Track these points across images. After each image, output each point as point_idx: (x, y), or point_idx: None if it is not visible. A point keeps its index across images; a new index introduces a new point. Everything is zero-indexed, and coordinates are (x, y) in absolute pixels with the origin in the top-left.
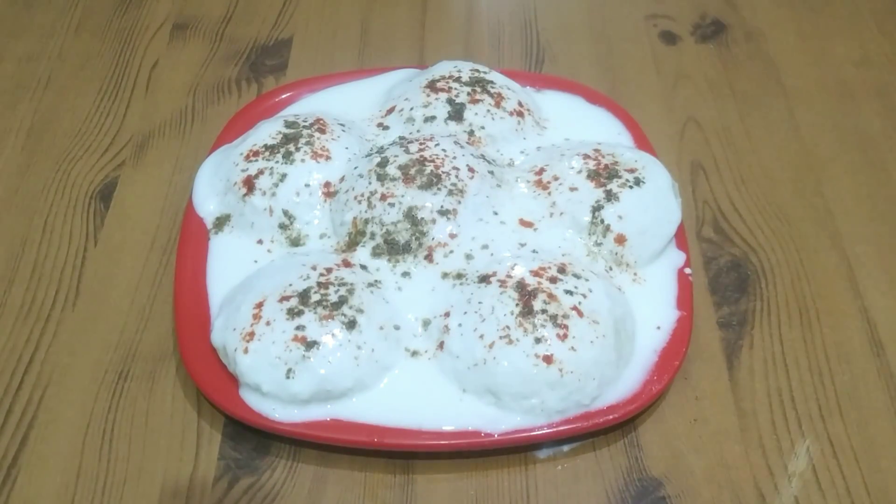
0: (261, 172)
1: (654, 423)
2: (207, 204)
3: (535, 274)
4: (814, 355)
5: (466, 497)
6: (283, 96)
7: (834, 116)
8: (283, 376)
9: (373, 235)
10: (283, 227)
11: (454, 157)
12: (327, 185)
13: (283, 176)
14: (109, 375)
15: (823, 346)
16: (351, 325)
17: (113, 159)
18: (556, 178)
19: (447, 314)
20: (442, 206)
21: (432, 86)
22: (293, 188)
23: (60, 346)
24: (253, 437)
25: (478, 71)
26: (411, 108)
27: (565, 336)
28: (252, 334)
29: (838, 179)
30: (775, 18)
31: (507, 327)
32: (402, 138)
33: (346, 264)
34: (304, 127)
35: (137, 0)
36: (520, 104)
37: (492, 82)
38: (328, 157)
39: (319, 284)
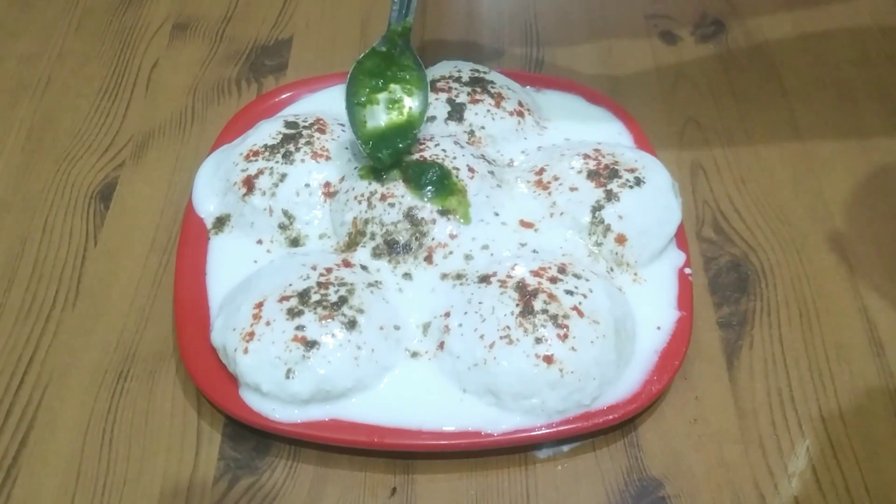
0: (261, 172)
1: (654, 423)
2: (207, 204)
3: (536, 274)
4: (814, 355)
5: (466, 497)
6: (283, 96)
7: (834, 116)
8: (282, 376)
9: (373, 235)
10: (282, 227)
11: (454, 158)
12: (327, 185)
13: (283, 176)
14: (109, 375)
15: (823, 347)
16: (351, 325)
17: (113, 159)
18: (556, 178)
19: (447, 314)
20: (442, 207)
21: (432, 86)
22: (293, 188)
23: (60, 346)
24: (253, 437)
25: (478, 71)
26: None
27: (566, 336)
28: (252, 334)
29: (838, 179)
30: (775, 18)
31: (508, 327)
32: None
33: (346, 264)
34: (304, 127)
35: (137, 0)
36: (520, 104)
37: (492, 82)
38: (328, 158)
39: (319, 284)
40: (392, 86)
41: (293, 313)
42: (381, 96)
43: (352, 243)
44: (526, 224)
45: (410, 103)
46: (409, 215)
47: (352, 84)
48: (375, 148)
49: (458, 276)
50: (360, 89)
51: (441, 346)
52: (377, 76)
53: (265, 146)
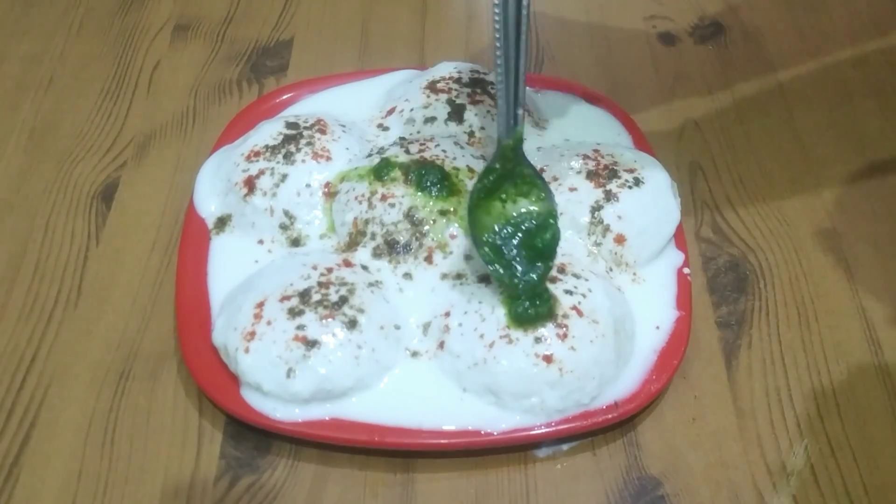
0: (262, 173)
1: (653, 422)
2: (209, 204)
3: None
4: (812, 354)
5: (466, 496)
6: (284, 97)
7: (832, 117)
8: (283, 376)
9: (373, 236)
10: (283, 227)
11: (454, 158)
12: (328, 185)
13: (284, 176)
14: (111, 375)
15: (822, 346)
16: (351, 324)
17: (115, 160)
18: (555, 179)
19: (447, 314)
20: (442, 207)
21: (432, 87)
22: (294, 188)
23: (62, 346)
24: (254, 437)
25: (478, 72)
26: (411, 109)
27: (565, 336)
28: (253, 334)
29: (836, 179)
30: (774, 19)
31: (508, 327)
32: (402, 139)
33: (347, 264)
34: (304, 128)
35: (139, 1)
36: None
37: (492, 83)
38: (329, 158)
39: (320, 284)
40: (517, 202)
41: (294, 313)
42: (507, 212)
43: (352, 243)
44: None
45: (543, 210)
46: (409, 215)
47: (472, 217)
48: (525, 271)
49: (458, 276)
50: (479, 216)
51: (441, 345)
52: (492, 196)
53: (266, 147)
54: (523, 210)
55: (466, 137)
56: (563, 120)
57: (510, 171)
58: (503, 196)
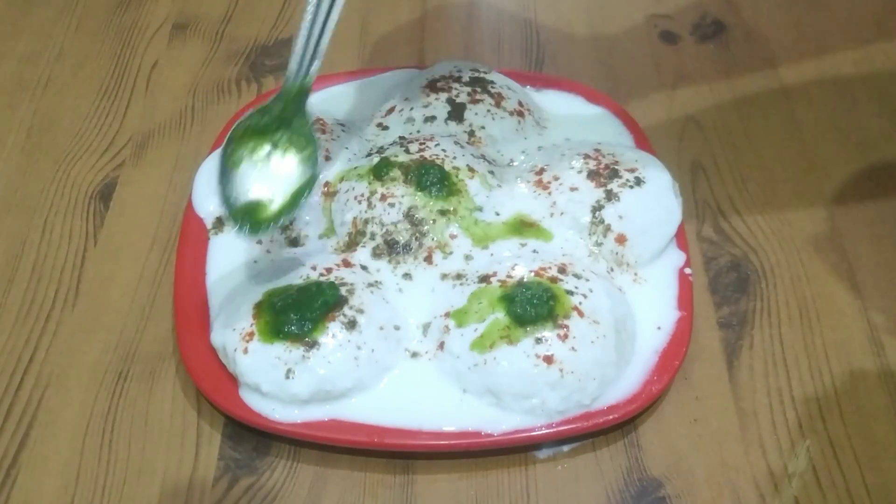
0: None
1: (654, 423)
2: (207, 204)
3: (536, 274)
4: (814, 355)
5: (466, 497)
6: None
7: (834, 116)
8: (282, 376)
9: (373, 235)
10: (282, 227)
11: (454, 157)
12: (327, 184)
13: None
14: (109, 375)
15: (823, 346)
16: (351, 325)
17: (113, 159)
18: (556, 178)
19: (447, 314)
20: (442, 207)
21: (432, 86)
22: None
23: (60, 347)
24: (253, 438)
25: (478, 71)
26: (411, 109)
27: (566, 336)
28: (252, 334)
29: (838, 179)
30: (775, 18)
31: (508, 327)
32: (402, 138)
33: (346, 264)
34: None
35: (137, 0)
36: (520, 104)
37: (492, 82)
38: (328, 157)
39: None
40: (277, 149)
41: None
42: (262, 156)
43: (352, 243)
44: (526, 224)
45: (295, 171)
46: (409, 215)
47: (229, 143)
48: (240, 217)
49: (458, 277)
50: (238, 148)
51: (441, 346)
52: (261, 136)
53: None
54: (288, 165)
55: (466, 137)
56: (563, 119)
57: (288, 119)
58: (275, 141)
